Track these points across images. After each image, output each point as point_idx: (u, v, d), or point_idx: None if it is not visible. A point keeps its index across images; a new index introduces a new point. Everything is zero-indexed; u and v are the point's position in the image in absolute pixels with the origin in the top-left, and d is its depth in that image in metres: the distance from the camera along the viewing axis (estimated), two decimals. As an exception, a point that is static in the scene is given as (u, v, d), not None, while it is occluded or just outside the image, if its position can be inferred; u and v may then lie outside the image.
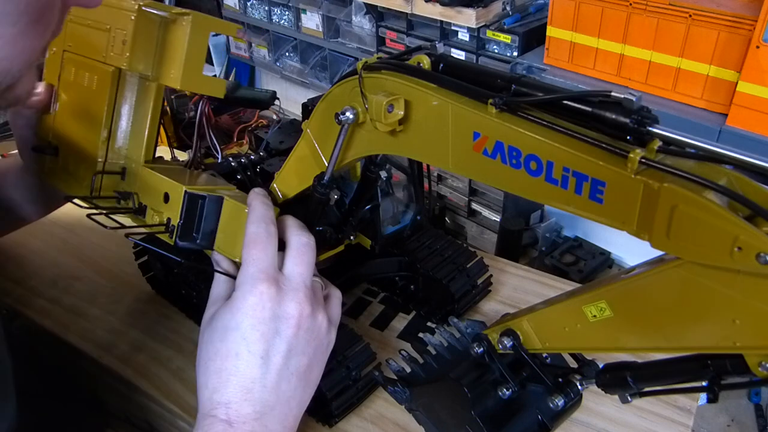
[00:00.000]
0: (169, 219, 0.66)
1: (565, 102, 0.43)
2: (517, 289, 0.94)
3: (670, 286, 0.40)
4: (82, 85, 0.72)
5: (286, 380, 0.55)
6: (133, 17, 0.63)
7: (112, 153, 0.71)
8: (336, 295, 0.65)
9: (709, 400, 0.40)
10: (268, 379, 0.54)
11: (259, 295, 0.55)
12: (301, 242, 0.60)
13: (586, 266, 2.07)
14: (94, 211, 0.66)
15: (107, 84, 0.69)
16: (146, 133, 0.71)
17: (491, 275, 0.91)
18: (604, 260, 2.10)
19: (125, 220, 0.70)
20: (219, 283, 0.62)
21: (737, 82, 1.49)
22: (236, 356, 0.54)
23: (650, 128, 0.39)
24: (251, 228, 0.59)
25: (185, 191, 0.65)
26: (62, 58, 0.73)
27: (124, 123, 0.71)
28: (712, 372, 0.40)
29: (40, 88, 0.75)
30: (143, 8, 0.64)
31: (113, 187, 0.71)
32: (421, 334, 0.65)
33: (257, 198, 0.62)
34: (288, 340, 0.55)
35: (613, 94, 0.40)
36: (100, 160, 0.70)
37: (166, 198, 0.67)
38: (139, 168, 0.71)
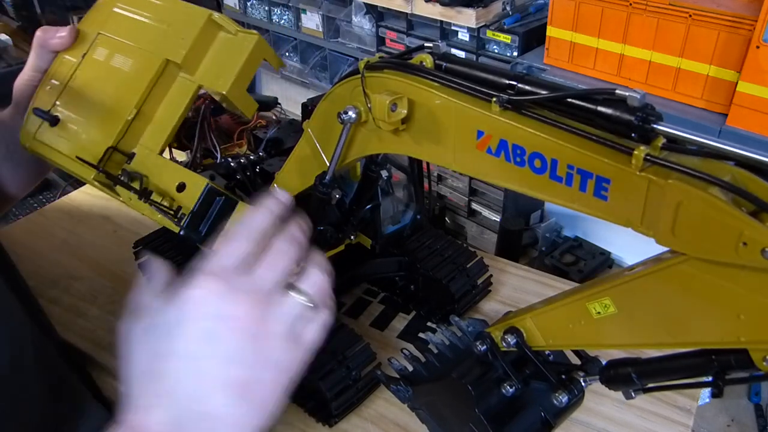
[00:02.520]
0: (179, 207, 0.67)
1: (568, 100, 0.44)
2: (517, 289, 0.94)
3: (674, 282, 0.40)
4: (113, 66, 0.75)
5: (219, 392, 0.46)
6: (201, 22, 0.68)
7: (130, 134, 0.73)
8: (322, 317, 0.53)
9: (714, 395, 0.40)
10: (199, 387, 0.46)
11: (205, 288, 0.47)
12: (281, 248, 0.52)
13: (586, 266, 2.07)
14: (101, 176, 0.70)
15: (150, 71, 0.71)
16: (172, 125, 0.72)
17: (491, 275, 0.91)
18: (604, 260, 2.10)
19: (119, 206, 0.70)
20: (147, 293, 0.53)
21: (737, 82, 1.50)
22: (167, 356, 0.47)
23: (654, 125, 0.39)
24: (235, 226, 0.52)
25: (207, 184, 0.67)
26: (94, 40, 0.76)
27: (151, 110, 0.73)
28: (716, 367, 0.40)
29: (65, 31, 0.76)
30: (213, 17, 0.69)
31: (115, 166, 0.72)
32: (422, 334, 0.65)
33: (265, 205, 0.54)
34: (227, 343, 0.47)
35: (617, 91, 0.40)
36: (116, 137, 0.72)
37: (181, 188, 0.68)
38: (153, 155, 0.72)
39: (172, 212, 0.67)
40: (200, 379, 0.46)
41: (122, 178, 0.69)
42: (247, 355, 0.47)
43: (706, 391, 1.39)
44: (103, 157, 0.70)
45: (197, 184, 0.68)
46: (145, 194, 0.68)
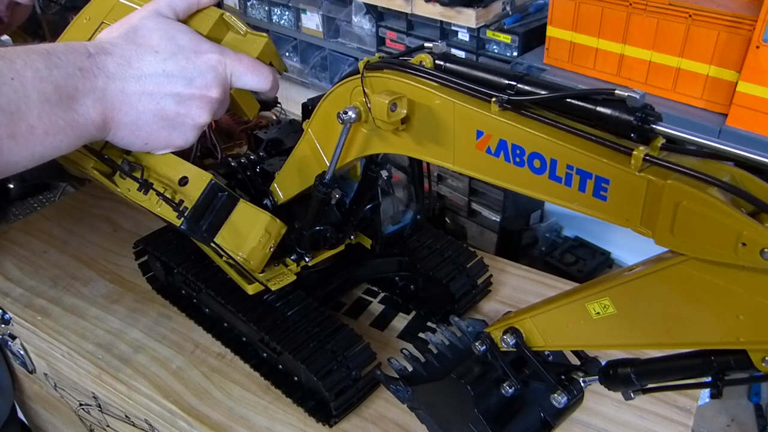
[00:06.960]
0: (182, 201, 0.67)
1: (568, 100, 0.44)
2: (517, 289, 0.94)
3: (674, 282, 0.40)
4: None
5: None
6: (212, 21, 0.68)
7: None
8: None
9: (713, 396, 0.40)
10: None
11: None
12: None
13: (586, 266, 2.07)
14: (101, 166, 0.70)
15: None
16: None
17: (491, 275, 0.91)
18: (604, 260, 2.10)
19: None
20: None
21: (737, 82, 1.49)
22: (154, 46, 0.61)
23: (654, 126, 0.40)
24: None
25: (211, 179, 0.67)
26: (97, 29, 0.74)
27: None
28: (715, 368, 0.40)
29: None
30: (224, 17, 0.68)
31: (118, 154, 0.71)
32: (421, 334, 0.65)
33: None
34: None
35: (617, 92, 0.40)
36: None
37: (183, 181, 0.68)
38: None
39: (174, 204, 0.67)
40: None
41: (124, 167, 0.69)
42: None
43: (706, 391, 1.39)
44: (106, 144, 0.69)
45: (201, 178, 0.68)
46: (146, 185, 0.68)
